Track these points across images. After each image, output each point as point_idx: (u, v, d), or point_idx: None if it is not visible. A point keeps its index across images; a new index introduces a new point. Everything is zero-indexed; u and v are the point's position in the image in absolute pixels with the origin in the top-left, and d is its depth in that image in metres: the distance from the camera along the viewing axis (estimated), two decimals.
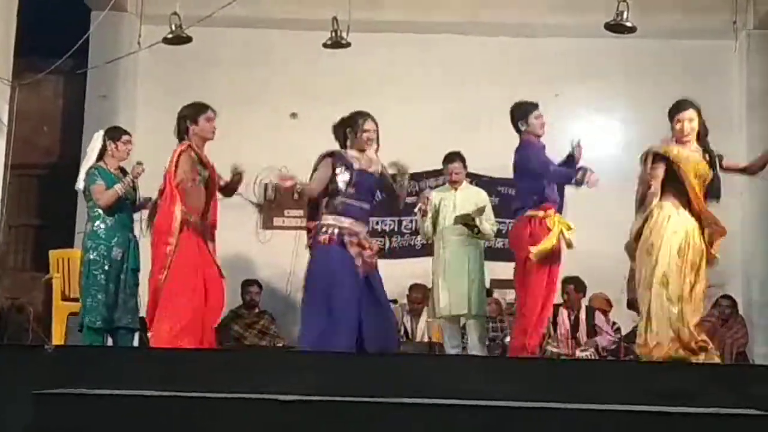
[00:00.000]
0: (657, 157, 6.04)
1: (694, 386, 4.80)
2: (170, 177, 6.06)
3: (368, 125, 6.13)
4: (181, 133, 6.23)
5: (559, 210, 6.63)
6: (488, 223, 7.37)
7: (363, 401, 4.32)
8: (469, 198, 7.40)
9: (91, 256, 6.50)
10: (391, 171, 6.22)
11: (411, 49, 9.80)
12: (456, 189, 7.46)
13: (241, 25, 9.50)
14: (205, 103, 6.29)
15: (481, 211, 7.26)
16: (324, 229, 6.01)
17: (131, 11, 9.59)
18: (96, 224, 6.56)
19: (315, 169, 6.15)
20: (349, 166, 6.06)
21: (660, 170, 6.02)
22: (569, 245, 6.51)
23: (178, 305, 5.98)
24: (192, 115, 6.21)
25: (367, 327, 5.90)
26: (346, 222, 6.01)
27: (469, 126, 9.35)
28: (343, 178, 6.04)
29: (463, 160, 7.49)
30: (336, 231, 5.97)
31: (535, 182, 6.54)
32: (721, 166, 6.18)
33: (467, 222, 7.19)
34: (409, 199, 9.03)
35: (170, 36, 7.80)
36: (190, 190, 6.13)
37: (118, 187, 6.52)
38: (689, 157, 6.03)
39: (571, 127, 8.38)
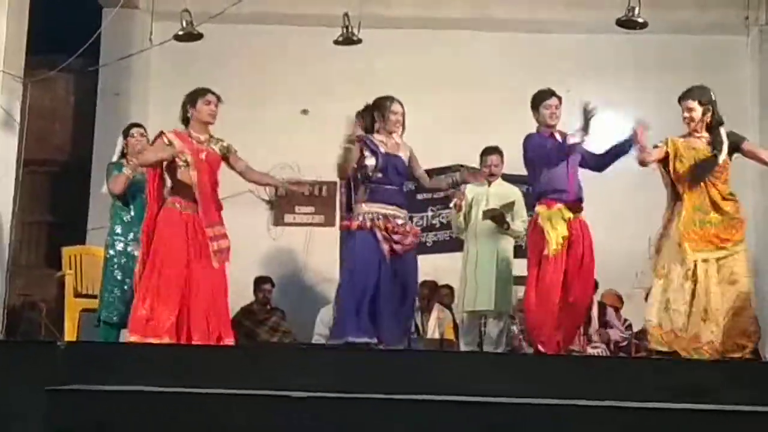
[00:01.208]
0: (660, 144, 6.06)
1: (706, 383, 4.79)
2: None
3: (396, 107, 6.22)
4: (185, 121, 6.15)
5: (578, 201, 6.41)
6: (519, 220, 7.14)
7: (371, 398, 4.32)
8: (501, 194, 7.19)
9: (110, 253, 6.58)
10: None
11: (421, 46, 9.78)
12: (489, 184, 7.24)
13: (252, 22, 9.51)
14: (206, 88, 6.15)
15: (510, 206, 7.07)
16: (354, 214, 6.05)
17: (143, 8, 9.60)
18: (115, 221, 6.64)
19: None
20: (375, 150, 6.10)
21: (658, 151, 6.00)
22: (555, 246, 6.22)
23: (158, 298, 5.82)
24: (191, 100, 6.12)
25: (375, 316, 5.91)
26: (377, 206, 6.04)
27: (479, 121, 9.32)
28: (370, 162, 6.09)
29: (501, 154, 7.28)
30: (366, 216, 6.00)
31: (535, 174, 6.39)
32: (741, 150, 6.07)
33: (495, 217, 7.03)
34: (419, 196, 9.16)
35: (181, 33, 7.82)
36: (176, 179, 5.99)
37: (125, 170, 6.53)
38: (692, 146, 6.00)
39: (580, 123, 8.34)
